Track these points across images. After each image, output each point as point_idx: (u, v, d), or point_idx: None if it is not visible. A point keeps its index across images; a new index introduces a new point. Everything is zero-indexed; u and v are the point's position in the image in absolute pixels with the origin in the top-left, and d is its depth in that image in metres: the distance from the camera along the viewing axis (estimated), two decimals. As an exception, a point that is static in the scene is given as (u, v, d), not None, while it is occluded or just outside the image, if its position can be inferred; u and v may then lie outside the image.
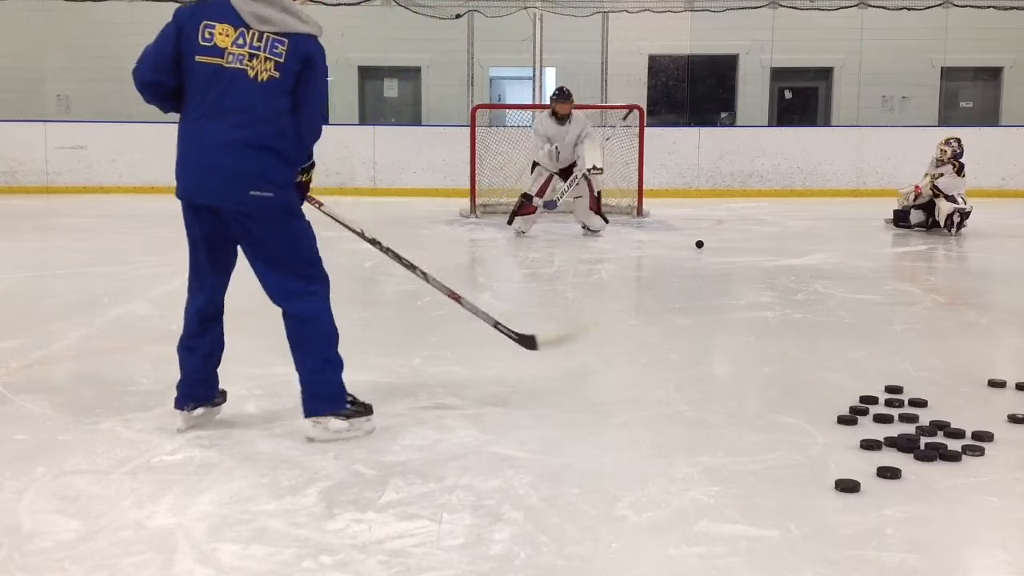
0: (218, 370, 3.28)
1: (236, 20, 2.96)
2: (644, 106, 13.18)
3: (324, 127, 3.20)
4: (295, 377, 3.85)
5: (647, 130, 11.91)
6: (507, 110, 15.23)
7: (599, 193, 9.39)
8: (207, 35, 2.96)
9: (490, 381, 3.94)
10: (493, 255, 8.60)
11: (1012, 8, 15.21)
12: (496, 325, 3.46)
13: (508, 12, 14.80)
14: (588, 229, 9.41)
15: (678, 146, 14.17)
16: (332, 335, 3.14)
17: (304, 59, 3.00)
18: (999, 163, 13.86)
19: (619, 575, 2.25)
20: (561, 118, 9.19)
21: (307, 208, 3.30)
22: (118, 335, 4.89)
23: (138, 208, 11.51)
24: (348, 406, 3.17)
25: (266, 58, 2.96)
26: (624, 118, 11.47)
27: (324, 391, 3.12)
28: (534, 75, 14.30)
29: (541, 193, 9.26)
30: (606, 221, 9.51)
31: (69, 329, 4.95)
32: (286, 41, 2.98)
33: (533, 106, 14.02)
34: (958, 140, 9.55)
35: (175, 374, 3.27)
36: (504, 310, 5.79)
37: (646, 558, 2.32)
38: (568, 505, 2.63)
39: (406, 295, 6.24)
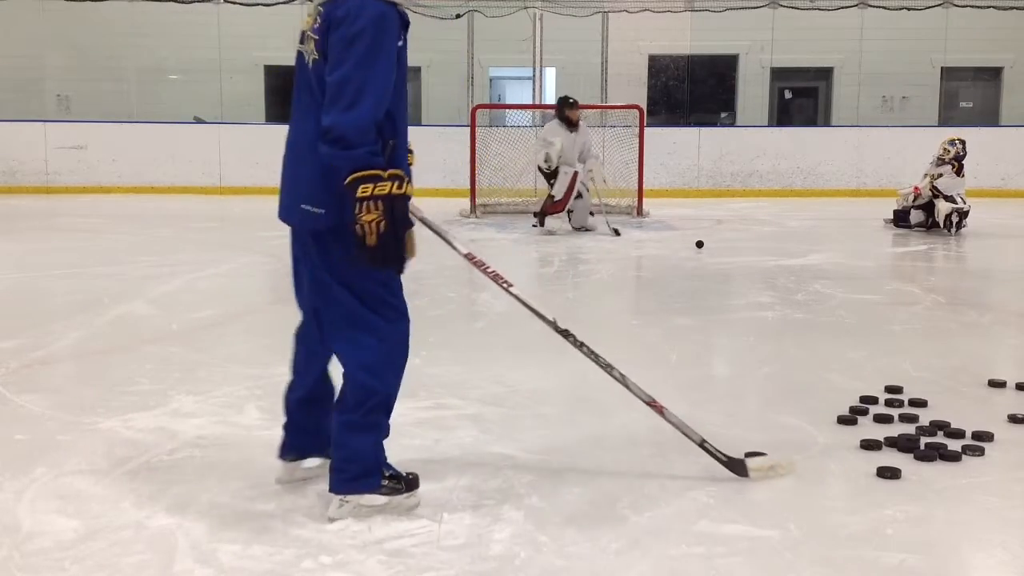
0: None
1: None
2: (644, 106, 13.18)
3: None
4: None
5: (647, 130, 11.91)
6: (507, 110, 15.22)
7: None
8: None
9: (490, 381, 3.94)
10: (493, 255, 8.57)
11: (1012, 8, 15.22)
12: (703, 444, 2.84)
13: (508, 12, 14.81)
14: (585, 230, 9.62)
15: (678, 146, 14.16)
16: (376, 397, 2.52)
17: (327, 26, 2.35)
18: (999, 163, 13.86)
19: (619, 575, 2.25)
20: (572, 125, 9.57)
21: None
22: (118, 335, 4.89)
23: (138, 208, 11.51)
24: (384, 483, 2.55)
25: (311, 37, 2.41)
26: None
27: (351, 467, 2.51)
28: (534, 75, 14.31)
29: (570, 193, 9.48)
30: (617, 233, 9.37)
31: (69, 329, 4.95)
32: (321, 11, 2.40)
33: (533, 106, 14.04)
34: (963, 142, 9.54)
35: (175, 374, 3.27)
36: (504, 310, 5.80)
37: (646, 558, 2.32)
38: (568, 505, 2.63)
39: (406, 295, 6.23)
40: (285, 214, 2.52)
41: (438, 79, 16.58)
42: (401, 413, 3.46)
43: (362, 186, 2.31)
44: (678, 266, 7.60)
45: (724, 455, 2.84)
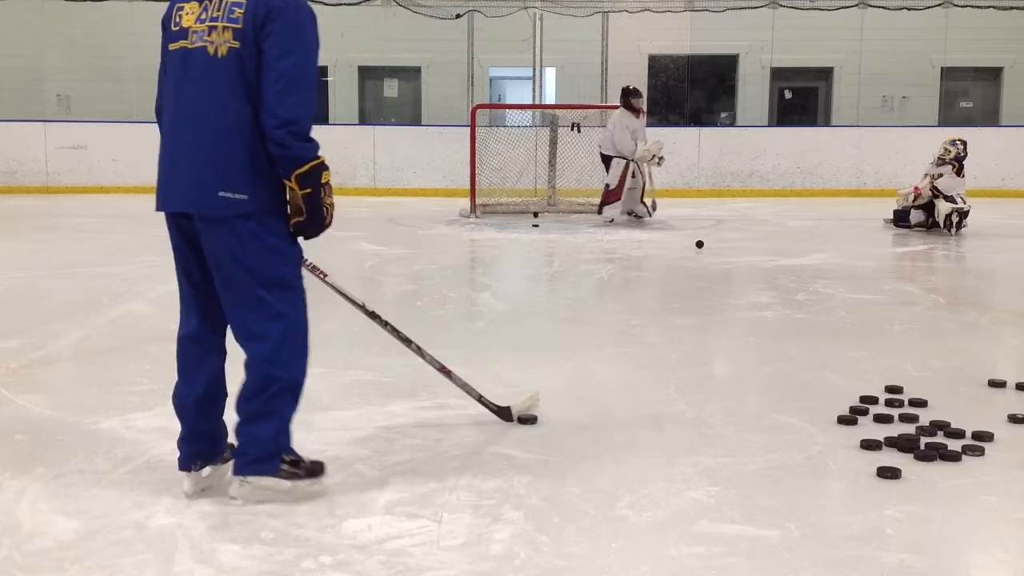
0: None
1: None
2: (644, 106, 13.16)
3: (322, 125, 2.57)
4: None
5: (647, 130, 11.89)
6: (507, 110, 15.22)
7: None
8: (177, 19, 2.53)
9: (490, 381, 3.93)
10: (493, 255, 8.60)
11: (1012, 8, 15.22)
12: (480, 399, 3.31)
13: (508, 12, 14.81)
14: (635, 215, 10.39)
15: (678, 146, 14.16)
16: (278, 383, 2.58)
17: (264, 14, 2.42)
18: (999, 163, 13.86)
19: (619, 575, 2.25)
20: (638, 113, 10.47)
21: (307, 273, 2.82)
22: (118, 335, 4.89)
23: (138, 208, 11.47)
24: (284, 468, 2.63)
25: (224, 28, 2.44)
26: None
27: (253, 451, 2.59)
28: (534, 75, 14.30)
29: (622, 182, 10.26)
30: (654, 208, 10.51)
31: (69, 329, 4.95)
32: (244, 2, 2.44)
33: (533, 106, 14.04)
34: (964, 143, 9.54)
35: (175, 374, 3.25)
36: (504, 310, 5.80)
37: (646, 558, 2.32)
38: (568, 505, 2.63)
39: (406, 295, 6.24)
40: (189, 203, 2.50)
41: (438, 79, 16.58)
42: (401, 413, 3.48)
43: (324, 173, 2.54)
44: (678, 266, 7.60)
45: (495, 405, 3.30)
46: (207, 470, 2.69)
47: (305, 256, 2.70)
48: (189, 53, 2.50)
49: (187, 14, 2.51)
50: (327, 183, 2.55)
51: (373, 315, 3.11)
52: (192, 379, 2.68)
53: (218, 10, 2.46)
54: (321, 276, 2.91)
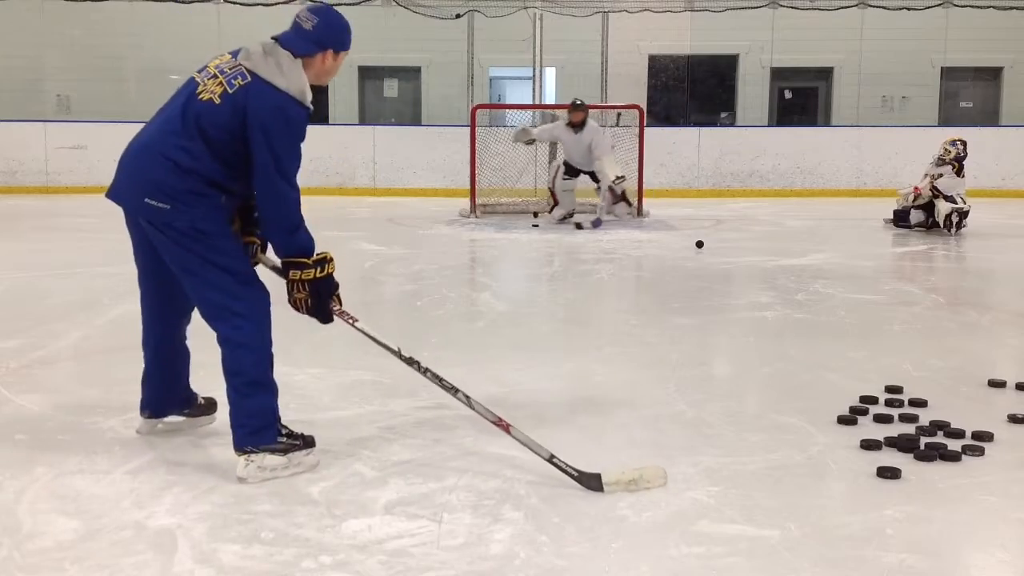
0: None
1: (236, 51, 2.86)
2: (644, 106, 13.18)
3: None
4: (293, 377, 3.85)
5: (647, 130, 11.91)
6: (507, 110, 15.23)
7: (623, 192, 10.36)
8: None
9: (490, 381, 3.94)
10: (493, 255, 8.60)
11: (1012, 8, 15.22)
12: (551, 459, 2.80)
13: (508, 12, 14.81)
14: (614, 215, 10.36)
15: (678, 146, 14.17)
16: (261, 359, 2.83)
17: (245, 106, 2.71)
18: (999, 163, 13.87)
19: (619, 575, 2.25)
20: (576, 126, 10.12)
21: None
22: (118, 335, 4.88)
23: (138, 208, 11.49)
24: (281, 439, 2.83)
25: (221, 83, 2.75)
26: (618, 117, 11.68)
27: (251, 422, 2.79)
28: (534, 75, 14.30)
29: (554, 182, 10.38)
30: (630, 204, 10.49)
31: (69, 329, 4.95)
32: (249, 79, 2.74)
33: (533, 106, 14.04)
34: (964, 143, 9.54)
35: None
36: (504, 310, 5.80)
37: (646, 558, 2.32)
38: (568, 505, 2.63)
39: (406, 295, 6.24)
40: (126, 200, 2.89)
41: (438, 79, 16.58)
42: (401, 413, 3.47)
43: (292, 271, 2.81)
44: (678, 266, 7.60)
45: (575, 470, 2.76)
46: (156, 421, 3.16)
47: (340, 305, 2.91)
48: (191, 83, 2.83)
49: (220, 58, 2.85)
50: (296, 281, 2.81)
51: (411, 361, 2.99)
52: (147, 331, 3.11)
53: (231, 69, 2.78)
54: (351, 322, 2.93)
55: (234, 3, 14.92)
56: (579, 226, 9.89)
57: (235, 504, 2.62)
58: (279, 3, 14.72)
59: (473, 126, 11.45)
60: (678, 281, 6.93)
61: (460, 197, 11.95)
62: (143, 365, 3.11)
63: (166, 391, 3.13)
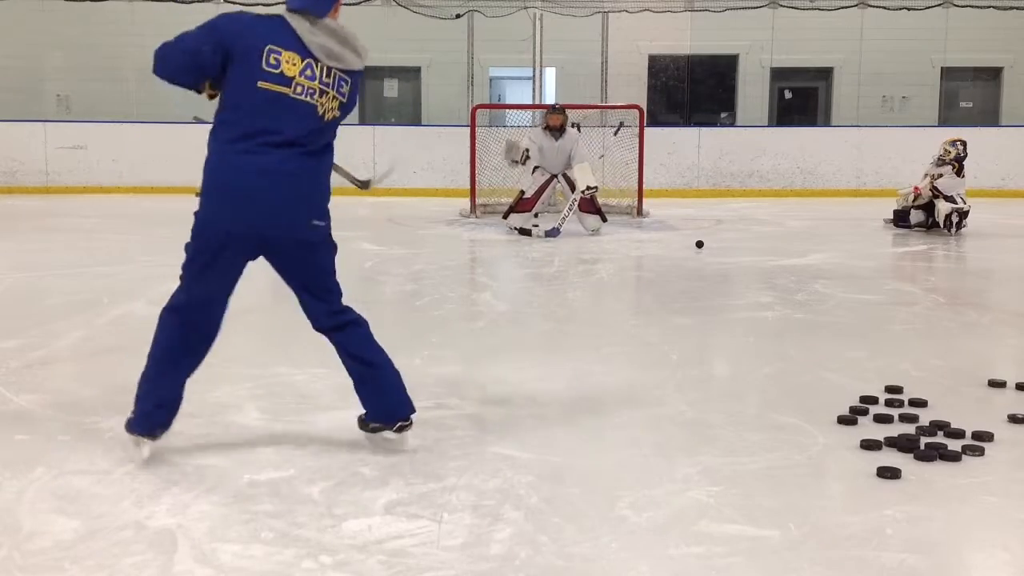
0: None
1: (302, 50, 2.80)
2: (644, 106, 13.18)
3: None
4: (294, 377, 3.85)
5: (647, 130, 11.91)
6: (507, 110, 15.22)
7: (598, 206, 9.62)
8: (272, 61, 2.77)
9: (490, 381, 3.94)
10: (493, 255, 8.60)
11: (1012, 8, 15.22)
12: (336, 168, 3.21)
13: (508, 12, 14.81)
14: (585, 229, 9.52)
15: (678, 146, 14.16)
16: None
17: (355, 92, 2.98)
18: (999, 163, 13.86)
19: (619, 575, 2.25)
20: (554, 131, 9.56)
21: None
22: (118, 335, 4.89)
23: (138, 208, 11.51)
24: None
25: (334, 97, 2.88)
26: (615, 133, 11.39)
27: (405, 393, 3.07)
28: (534, 75, 14.31)
29: (540, 193, 9.61)
30: (604, 219, 9.63)
31: (69, 329, 4.95)
32: (349, 81, 2.92)
33: (533, 106, 14.03)
34: (964, 143, 9.54)
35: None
36: (504, 310, 5.80)
37: (646, 558, 2.32)
38: (568, 505, 2.63)
39: (406, 295, 6.24)
40: (292, 230, 2.89)
41: (438, 79, 16.58)
42: (401, 413, 3.46)
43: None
44: (678, 266, 7.60)
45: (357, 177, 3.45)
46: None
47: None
48: (293, 102, 2.80)
49: (288, 63, 2.78)
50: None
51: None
52: (199, 352, 2.98)
53: (328, 76, 2.85)
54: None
55: (234, 3, 14.91)
56: (523, 231, 9.25)
57: (235, 504, 2.62)
58: (278, 3, 14.71)
59: (473, 126, 11.45)
60: (678, 281, 6.93)
61: (460, 197, 11.95)
62: (168, 391, 2.96)
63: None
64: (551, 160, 9.59)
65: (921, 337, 5.10)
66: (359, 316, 3.04)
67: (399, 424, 3.02)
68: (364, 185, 3.52)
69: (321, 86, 2.84)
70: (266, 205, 2.81)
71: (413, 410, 3.04)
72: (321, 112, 2.84)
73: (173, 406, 2.96)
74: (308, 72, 2.80)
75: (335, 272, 3.03)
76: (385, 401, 3.04)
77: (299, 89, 2.79)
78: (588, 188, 9.25)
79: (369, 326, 3.05)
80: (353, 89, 2.94)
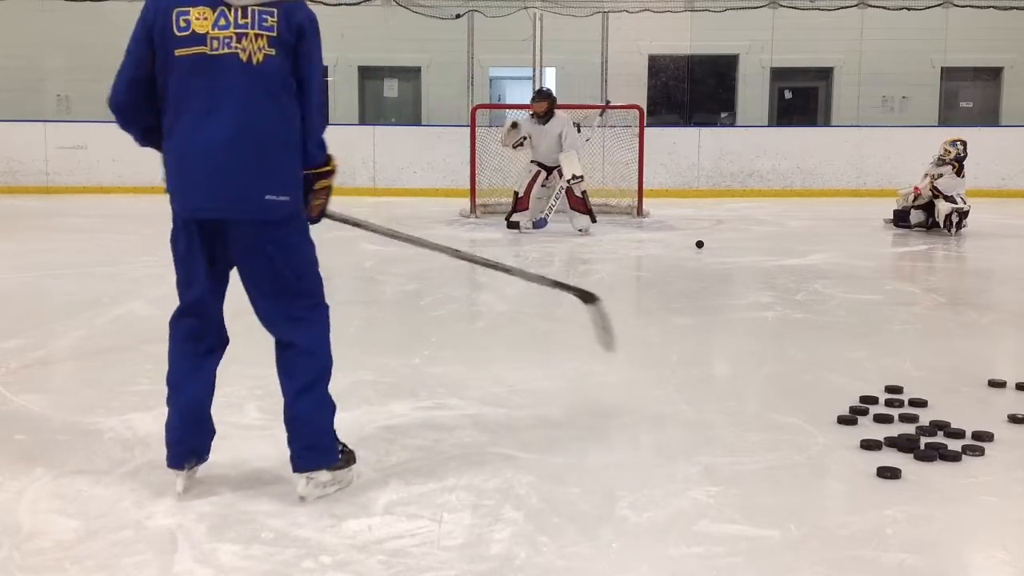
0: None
1: (212, 1, 2.47)
2: (644, 106, 13.17)
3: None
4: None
5: (647, 130, 11.90)
6: (507, 110, 15.21)
7: (584, 193, 9.55)
8: (183, 24, 2.46)
9: (490, 381, 3.94)
10: (493, 255, 8.57)
11: (1012, 8, 15.20)
12: (556, 284, 3.15)
13: (508, 12, 14.80)
14: (574, 228, 9.49)
15: (678, 146, 14.16)
16: (328, 372, 2.71)
17: (298, 29, 2.50)
18: (999, 163, 13.85)
19: (619, 575, 2.25)
20: (540, 117, 9.54)
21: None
22: (118, 335, 4.89)
23: (138, 208, 11.50)
24: (339, 456, 2.74)
25: (256, 35, 2.47)
26: (601, 114, 11.20)
27: (322, 442, 2.68)
28: (534, 75, 14.28)
29: (530, 189, 9.59)
30: (593, 220, 9.56)
31: (69, 329, 4.95)
32: (275, 11, 2.49)
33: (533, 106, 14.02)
34: (964, 143, 9.54)
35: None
36: (504, 310, 5.80)
37: (646, 558, 2.32)
38: (568, 505, 2.63)
39: (406, 295, 6.24)
40: (241, 210, 2.52)
41: (438, 79, 16.57)
42: (401, 413, 3.47)
43: (324, 180, 2.68)
44: (678, 266, 7.60)
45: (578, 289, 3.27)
46: (197, 468, 2.74)
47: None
48: (212, 60, 2.48)
49: (197, 19, 2.47)
50: (324, 188, 2.70)
51: (393, 233, 3.14)
52: (197, 370, 2.70)
53: (244, 17, 2.47)
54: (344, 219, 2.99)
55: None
56: (513, 225, 9.37)
57: (235, 504, 2.62)
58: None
59: (473, 126, 11.45)
60: (678, 281, 6.93)
61: (460, 197, 11.94)
62: (186, 411, 2.69)
63: (207, 428, 2.77)
64: (541, 146, 9.54)
65: (921, 337, 5.10)
66: (306, 340, 2.66)
67: (304, 475, 2.66)
68: (589, 298, 3.33)
69: (237, 30, 2.46)
70: (202, 180, 2.51)
71: (309, 467, 2.66)
72: (245, 57, 2.47)
73: (193, 432, 2.69)
74: (221, 22, 2.47)
75: (313, 266, 2.68)
76: (295, 444, 2.69)
77: (215, 44, 2.47)
78: (574, 177, 9.21)
79: (313, 356, 2.68)
80: (285, 19, 2.50)
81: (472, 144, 11.33)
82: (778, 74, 16.93)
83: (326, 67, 2.69)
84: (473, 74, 15.99)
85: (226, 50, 2.47)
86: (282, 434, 3.06)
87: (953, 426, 3.25)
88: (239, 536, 2.41)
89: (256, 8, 2.48)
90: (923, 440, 3.12)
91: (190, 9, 2.48)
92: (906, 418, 3.40)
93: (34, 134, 13.96)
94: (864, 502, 2.68)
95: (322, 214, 2.74)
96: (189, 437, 2.68)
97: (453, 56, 15.89)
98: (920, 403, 3.56)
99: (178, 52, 2.49)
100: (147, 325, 5.08)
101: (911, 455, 3.01)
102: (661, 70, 16.93)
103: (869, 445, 3.10)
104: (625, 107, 12.33)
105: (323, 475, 2.67)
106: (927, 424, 3.30)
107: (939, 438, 3.19)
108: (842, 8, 15.14)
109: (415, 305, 5.83)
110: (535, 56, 14.09)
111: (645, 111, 12.37)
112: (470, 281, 6.88)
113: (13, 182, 13.82)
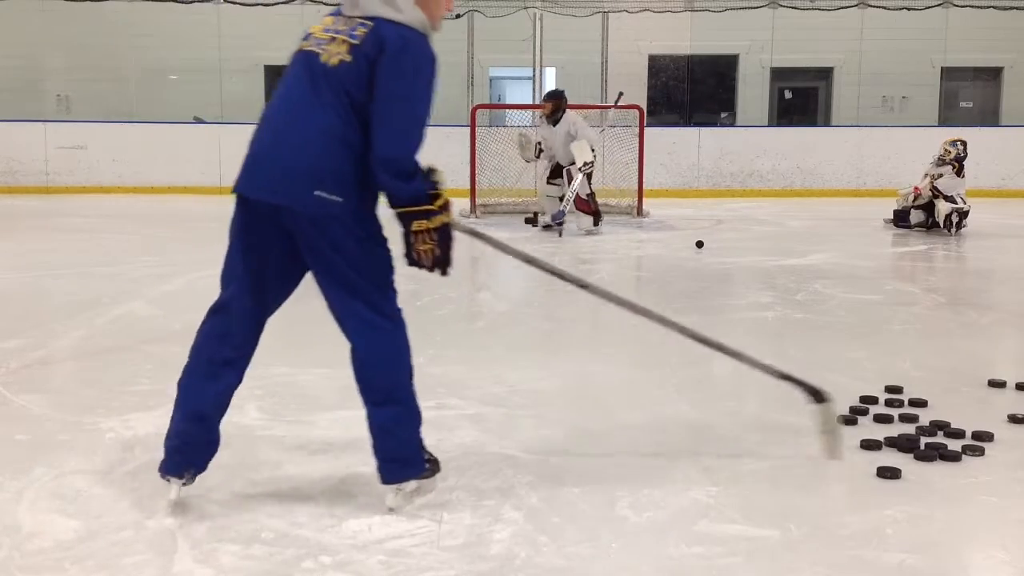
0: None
1: (336, 11, 2.60)
2: (644, 106, 13.18)
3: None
4: (295, 377, 3.85)
5: (647, 130, 11.91)
6: (507, 110, 15.21)
7: (591, 194, 9.53)
8: (311, 28, 2.63)
9: (490, 381, 3.94)
10: (493, 255, 8.57)
11: (1012, 8, 15.22)
12: (783, 377, 2.96)
13: (508, 12, 14.81)
14: (579, 229, 9.50)
15: (678, 146, 14.16)
16: (401, 384, 2.62)
17: (381, 43, 2.47)
18: (999, 163, 13.85)
19: (619, 575, 2.25)
20: (550, 119, 9.58)
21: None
22: (118, 335, 4.89)
23: (138, 208, 11.51)
24: (426, 466, 2.67)
25: (342, 41, 2.50)
26: (615, 102, 11.18)
27: (406, 454, 2.61)
28: (534, 75, 14.30)
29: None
30: (596, 223, 9.52)
31: (69, 329, 4.95)
32: (369, 24, 2.50)
33: (533, 106, 14.01)
34: (964, 143, 9.54)
35: (175, 374, 3.24)
36: (504, 310, 5.80)
37: (646, 558, 2.32)
38: (568, 505, 2.63)
39: (407, 295, 6.20)
40: (275, 193, 2.48)
41: (438, 79, 16.56)
42: (401, 413, 3.47)
43: (416, 222, 2.50)
44: (678, 266, 7.60)
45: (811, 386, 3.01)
46: (194, 479, 2.62)
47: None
48: (303, 55, 2.56)
49: (319, 24, 2.61)
50: (421, 231, 2.51)
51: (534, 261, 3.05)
52: (212, 378, 2.59)
53: (344, 25, 2.54)
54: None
55: (234, 3, 14.91)
56: (529, 220, 9.45)
57: (235, 504, 2.61)
58: (279, 3, 14.72)
59: (473, 126, 11.45)
60: (678, 281, 6.93)
61: (460, 197, 11.93)
62: (193, 419, 2.60)
63: (211, 442, 2.64)
64: (556, 147, 9.61)
65: (921, 337, 5.10)
66: (373, 348, 2.58)
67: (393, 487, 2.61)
68: (819, 397, 3.03)
69: (333, 34, 2.53)
70: (251, 162, 2.53)
71: (395, 479, 2.60)
72: (325, 58, 2.50)
73: (193, 447, 2.60)
74: (328, 27, 2.57)
75: (379, 275, 2.56)
76: (377, 456, 2.63)
77: (312, 41, 2.56)
78: (585, 164, 9.21)
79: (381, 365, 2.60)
80: (374, 33, 2.48)
81: (472, 144, 11.33)
82: (778, 74, 16.94)
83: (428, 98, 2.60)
84: (473, 74, 15.99)
85: (316, 49, 2.55)
86: (282, 434, 3.07)
87: (953, 426, 3.25)
88: (239, 536, 2.41)
89: (359, 20, 2.54)
90: (923, 440, 3.12)
91: (330, 16, 2.62)
92: (906, 418, 3.40)
93: (34, 134, 13.96)
94: (864, 502, 2.68)
95: (441, 263, 2.57)
96: (188, 449, 2.59)
97: (453, 56, 15.88)
98: (920, 403, 3.56)
99: (296, 49, 2.62)
100: (147, 325, 5.08)
101: (911, 455, 3.01)
102: (661, 70, 16.94)
103: (869, 445, 3.10)
104: (625, 107, 12.33)
105: (411, 485, 2.63)
106: (927, 424, 3.30)
107: (939, 438, 3.19)
108: (842, 8, 15.14)
109: (415, 305, 5.83)
110: (535, 56, 14.10)
111: (645, 111, 12.38)
112: (469, 282, 6.88)
113: (13, 182, 13.82)
